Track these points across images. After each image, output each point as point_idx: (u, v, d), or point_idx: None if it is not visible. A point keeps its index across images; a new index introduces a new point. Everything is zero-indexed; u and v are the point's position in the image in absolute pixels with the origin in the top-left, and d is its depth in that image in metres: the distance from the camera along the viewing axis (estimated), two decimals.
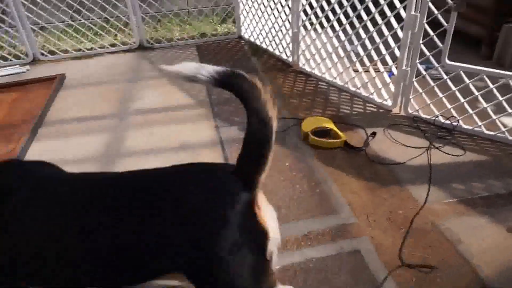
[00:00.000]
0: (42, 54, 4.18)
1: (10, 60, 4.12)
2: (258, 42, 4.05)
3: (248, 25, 4.16)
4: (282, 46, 3.64)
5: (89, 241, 1.10)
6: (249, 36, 4.21)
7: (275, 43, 3.73)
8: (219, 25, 4.74)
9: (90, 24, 4.33)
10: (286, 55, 3.63)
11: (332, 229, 1.85)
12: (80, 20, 4.31)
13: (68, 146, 2.59)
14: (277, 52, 3.76)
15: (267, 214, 1.15)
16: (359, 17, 2.85)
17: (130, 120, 2.85)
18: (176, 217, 1.06)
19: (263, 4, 3.72)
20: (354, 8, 2.85)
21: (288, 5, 3.41)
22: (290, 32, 3.44)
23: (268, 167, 1.10)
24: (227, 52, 4.03)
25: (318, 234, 1.82)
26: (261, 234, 1.10)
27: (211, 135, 2.61)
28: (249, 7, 4.01)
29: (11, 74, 3.88)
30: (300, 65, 3.46)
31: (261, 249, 1.11)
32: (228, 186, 1.10)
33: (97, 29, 4.35)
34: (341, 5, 2.96)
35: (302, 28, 3.32)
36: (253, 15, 3.98)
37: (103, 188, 1.17)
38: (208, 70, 1.08)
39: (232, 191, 1.08)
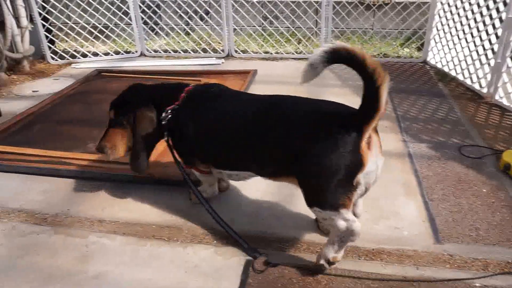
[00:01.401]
0: (236, 51, 4.69)
1: (209, 53, 4.72)
2: (446, 69, 3.91)
3: (439, 51, 4.05)
4: (477, 76, 3.45)
5: (249, 134, 1.66)
6: (436, 62, 4.09)
7: (469, 72, 3.55)
8: (401, 48, 4.71)
9: (283, 31, 4.72)
10: (480, 86, 3.42)
11: None
12: (272, 27, 4.75)
13: None
14: (468, 81, 3.57)
15: (372, 155, 1.48)
16: None
17: None
18: (301, 131, 1.54)
19: (463, 31, 3.59)
20: None
21: (496, 34, 3.23)
22: (491, 62, 3.25)
23: (377, 119, 1.43)
24: (410, 74, 3.97)
25: None
26: (358, 164, 1.45)
27: (398, 147, 2.61)
28: (444, 32, 3.90)
29: (208, 64, 4.45)
30: (497, 97, 3.22)
31: (352, 174, 1.45)
32: (344, 122, 1.47)
33: (289, 36, 4.72)
34: None
35: (509, 60, 3.11)
36: (447, 42, 3.86)
37: (264, 102, 1.73)
38: (315, 56, 1.41)
39: (346, 125, 1.45)
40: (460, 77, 3.68)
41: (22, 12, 4.17)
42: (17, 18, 4.14)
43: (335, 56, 1.38)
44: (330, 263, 1.61)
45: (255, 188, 2.19)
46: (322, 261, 1.62)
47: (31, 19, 4.31)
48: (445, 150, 2.56)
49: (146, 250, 1.79)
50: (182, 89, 1.91)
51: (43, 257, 1.76)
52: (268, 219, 1.97)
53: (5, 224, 1.98)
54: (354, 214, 1.71)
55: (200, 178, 2.03)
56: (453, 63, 3.78)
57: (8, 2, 3.98)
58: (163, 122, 1.87)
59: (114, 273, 1.67)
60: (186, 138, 1.84)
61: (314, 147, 1.49)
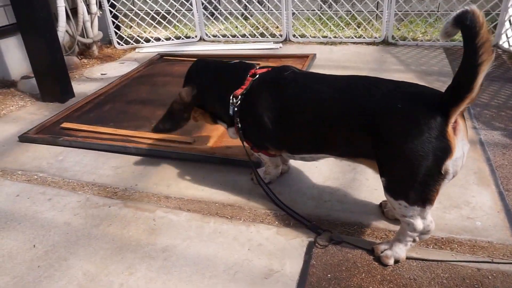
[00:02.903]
0: (294, 36, 4.64)
1: (267, 37, 4.71)
2: None
3: None
4: None
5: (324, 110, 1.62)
6: (510, 46, 3.80)
7: None
8: None
9: (343, 14, 4.60)
10: None
11: None
12: (331, 11, 4.63)
13: None
14: None
15: (459, 141, 1.37)
16: None
17: None
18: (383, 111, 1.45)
19: None
20: None
21: None
22: None
23: (468, 102, 1.30)
24: None
25: None
26: (445, 149, 1.34)
27: (469, 135, 2.46)
28: None
29: (266, 49, 4.45)
30: None
31: (439, 161, 1.35)
32: (429, 103, 1.37)
33: (349, 19, 4.59)
34: None
35: None
36: None
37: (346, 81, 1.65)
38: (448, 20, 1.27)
39: (431, 107, 1.36)
40: None
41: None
42: (88, 5, 4.35)
43: (460, 19, 1.23)
44: (397, 261, 1.57)
45: (318, 172, 2.18)
46: (391, 261, 1.56)
47: (100, 6, 4.52)
48: None
49: (210, 227, 1.84)
50: (247, 71, 1.89)
51: (115, 228, 1.87)
52: (331, 203, 1.95)
53: (80, 196, 2.12)
54: None
55: (266, 161, 2.04)
56: None
57: None
58: (233, 108, 1.85)
59: (181, 246, 1.73)
60: (260, 124, 1.80)
61: (398, 129, 1.40)
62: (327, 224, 1.81)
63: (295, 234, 1.77)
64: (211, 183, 2.16)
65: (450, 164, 1.36)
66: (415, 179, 1.38)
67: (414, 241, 1.54)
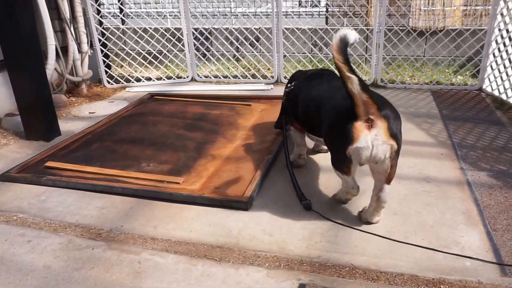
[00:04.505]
0: (285, 77, 4.72)
1: (258, 79, 4.79)
2: (504, 97, 3.73)
3: (496, 78, 3.88)
4: None
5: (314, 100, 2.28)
6: (493, 90, 3.92)
7: None
8: (454, 76, 4.57)
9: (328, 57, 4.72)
10: None
11: None
12: (322, 54, 4.75)
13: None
14: None
15: (369, 138, 1.81)
16: None
17: None
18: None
19: None
20: None
21: None
22: None
23: (364, 102, 1.79)
24: (465, 102, 3.82)
25: None
26: (348, 139, 1.83)
27: (456, 175, 2.48)
28: (502, 59, 3.76)
29: (258, 90, 4.50)
30: None
31: (344, 146, 1.86)
32: (349, 106, 1.83)
33: None
34: None
35: None
36: (505, 69, 3.70)
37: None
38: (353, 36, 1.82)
39: (348, 109, 1.84)
40: None
41: (84, 39, 4.45)
42: (79, 44, 4.41)
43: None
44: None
45: (308, 212, 2.15)
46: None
47: (91, 45, 4.58)
48: (508, 179, 2.41)
49: (198, 270, 1.77)
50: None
51: (97, 271, 1.78)
52: (322, 244, 1.91)
53: (62, 237, 2.03)
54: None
55: (293, 135, 2.69)
56: None
57: (72, 29, 4.26)
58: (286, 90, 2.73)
59: None
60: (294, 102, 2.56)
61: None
62: (318, 266, 1.76)
63: (285, 276, 1.71)
64: (200, 224, 2.10)
65: (351, 151, 1.85)
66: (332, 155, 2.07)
67: (347, 193, 2.11)
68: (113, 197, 2.37)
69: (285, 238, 1.96)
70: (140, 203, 2.31)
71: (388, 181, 1.95)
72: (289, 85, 2.68)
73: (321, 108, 2.15)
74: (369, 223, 2.03)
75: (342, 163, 1.95)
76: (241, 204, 2.20)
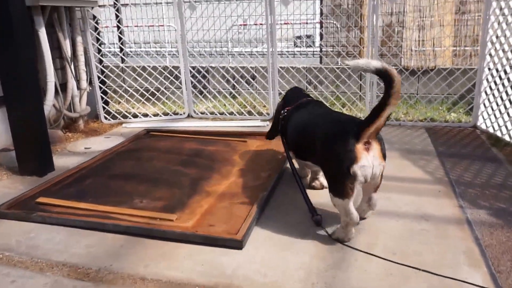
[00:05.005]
0: None
1: (254, 115, 4.82)
2: (499, 134, 3.75)
3: (489, 115, 3.92)
4: None
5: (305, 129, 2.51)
6: (488, 127, 3.95)
7: None
8: (448, 113, 4.62)
9: (328, 95, 4.78)
10: None
11: None
12: (317, 91, 4.82)
13: None
14: None
15: (370, 158, 2.01)
16: None
17: None
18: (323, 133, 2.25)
19: None
20: None
21: None
22: None
23: (376, 127, 1.99)
24: (461, 139, 3.84)
25: None
26: (352, 159, 1.99)
27: (455, 213, 2.44)
28: (494, 97, 3.81)
29: (253, 126, 4.53)
30: None
31: (347, 165, 1.99)
32: (349, 129, 2.06)
33: (334, 100, 4.77)
34: None
35: None
36: (498, 106, 3.75)
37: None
38: (374, 64, 1.93)
39: (349, 131, 2.04)
40: None
41: (83, 76, 4.50)
42: (78, 81, 4.46)
43: (381, 74, 1.95)
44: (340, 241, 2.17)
45: (303, 251, 2.09)
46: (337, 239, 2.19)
47: (90, 82, 4.63)
48: (509, 218, 2.37)
49: None
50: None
51: None
52: (319, 285, 1.84)
53: (48, 278, 1.96)
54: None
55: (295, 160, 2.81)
56: (506, 127, 3.63)
57: (72, 67, 4.32)
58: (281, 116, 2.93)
59: None
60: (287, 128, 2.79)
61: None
62: None
63: None
64: (192, 264, 2.03)
65: (357, 168, 1.99)
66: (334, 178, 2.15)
67: (348, 224, 2.12)
68: (104, 234, 2.31)
69: (279, 279, 1.89)
70: (132, 241, 2.24)
71: (376, 191, 2.27)
72: (282, 111, 2.92)
73: (316, 133, 2.31)
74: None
75: (345, 184, 2.03)
76: (235, 243, 2.15)
